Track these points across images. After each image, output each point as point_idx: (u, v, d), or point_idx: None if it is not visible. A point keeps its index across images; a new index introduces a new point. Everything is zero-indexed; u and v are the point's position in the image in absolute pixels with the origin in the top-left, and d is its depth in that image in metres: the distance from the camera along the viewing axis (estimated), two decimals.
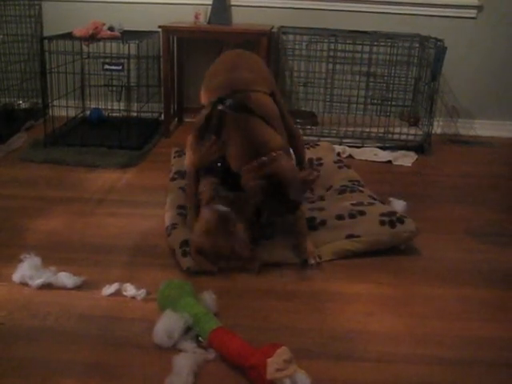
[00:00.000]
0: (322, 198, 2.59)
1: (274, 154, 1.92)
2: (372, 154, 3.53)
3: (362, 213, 2.29)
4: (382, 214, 2.25)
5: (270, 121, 2.04)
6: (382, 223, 2.20)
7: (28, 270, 1.87)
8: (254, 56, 2.46)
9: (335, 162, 3.04)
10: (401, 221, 2.22)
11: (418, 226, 2.23)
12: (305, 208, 2.27)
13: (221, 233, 2.00)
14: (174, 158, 3.12)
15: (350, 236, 2.18)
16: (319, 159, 3.07)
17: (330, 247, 2.16)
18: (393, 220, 2.21)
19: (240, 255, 2.00)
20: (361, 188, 2.67)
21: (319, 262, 2.09)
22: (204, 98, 2.25)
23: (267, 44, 3.61)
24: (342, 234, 2.20)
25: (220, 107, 2.03)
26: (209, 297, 1.75)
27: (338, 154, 3.38)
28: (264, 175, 1.89)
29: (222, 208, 2.05)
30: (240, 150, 1.97)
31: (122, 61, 3.71)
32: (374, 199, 2.50)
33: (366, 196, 2.53)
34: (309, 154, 3.01)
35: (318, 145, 3.33)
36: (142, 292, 1.82)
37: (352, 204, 2.40)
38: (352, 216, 2.28)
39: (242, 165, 1.95)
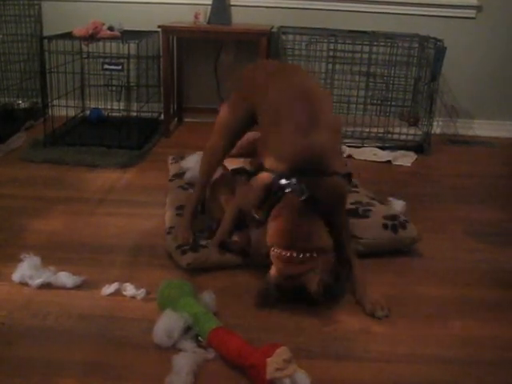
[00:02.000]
0: None
1: (310, 255, 1.72)
2: (372, 153, 3.53)
3: (365, 216, 2.28)
4: (385, 217, 2.24)
5: (330, 216, 1.82)
6: (385, 227, 2.20)
7: (28, 270, 1.87)
8: (322, 91, 2.15)
9: None
10: (403, 226, 2.21)
11: (417, 226, 2.24)
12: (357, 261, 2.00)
13: None
14: (171, 164, 3.08)
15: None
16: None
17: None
18: (395, 224, 2.20)
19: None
20: (355, 189, 2.63)
21: (387, 314, 1.80)
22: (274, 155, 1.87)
23: (267, 44, 3.61)
24: None
25: (283, 184, 1.78)
26: (208, 296, 1.74)
27: None
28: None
29: None
30: (278, 237, 1.77)
31: (121, 61, 3.72)
32: (372, 198, 2.50)
33: (363, 196, 2.53)
34: None
35: None
36: (142, 292, 1.82)
37: (351, 204, 2.39)
38: (355, 215, 2.27)
39: (272, 251, 1.78)
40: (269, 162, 1.88)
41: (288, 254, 1.73)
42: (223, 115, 2.19)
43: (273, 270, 1.79)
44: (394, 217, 2.26)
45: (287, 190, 1.78)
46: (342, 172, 1.86)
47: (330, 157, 1.82)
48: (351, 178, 1.94)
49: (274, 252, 1.77)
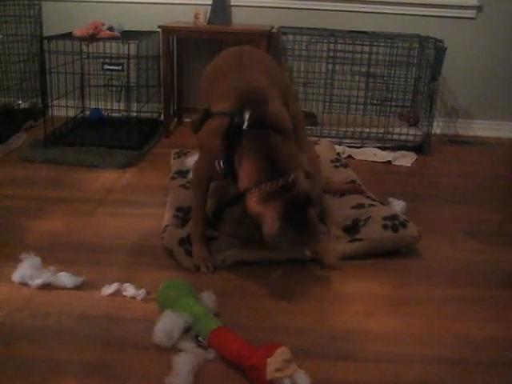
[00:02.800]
0: None
1: (293, 176, 1.75)
2: (371, 154, 3.53)
3: (365, 220, 2.28)
4: (385, 218, 2.24)
5: (287, 136, 1.87)
6: (385, 227, 2.20)
7: (28, 270, 1.87)
8: (263, 53, 2.32)
9: (332, 161, 3.04)
10: (403, 225, 2.21)
11: (418, 228, 2.24)
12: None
13: None
14: (174, 159, 3.11)
15: (352, 240, 2.19)
16: (317, 157, 3.03)
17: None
18: (395, 224, 2.20)
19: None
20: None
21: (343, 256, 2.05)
22: (210, 101, 1.99)
23: (267, 44, 3.61)
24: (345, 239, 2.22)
25: (236, 120, 1.82)
26: (208, 297, 1.75)
27: (338, 154, 3.38)
28: (281, 199, 1.72)
29: None
30: (253, 169, 1.78)
31: (121, 61, 3.72)
32: (374, 200, 2.51)
33: (364, 197, 2.54)
34: None
35: (317, 143, 3.32)
36: (142, 292, 1.82)
37: (352, 207, 2.40)
38: (356, 223, 2.29)
39: (253, 186, 1.77)
40: (215, 108, 1.91)
41: (274, 183, 1.73)
42: (195, 174, 2.14)
43: (269, 221, 1.72)
44: (393, 216, 2.25)
45: (245, 126, 1.80)
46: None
47: (269, 91, 1.94)
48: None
49: (258, 189, 1.74)
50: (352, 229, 2.28)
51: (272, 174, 1.75)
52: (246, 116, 1.82)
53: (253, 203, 1.78)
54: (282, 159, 1.79)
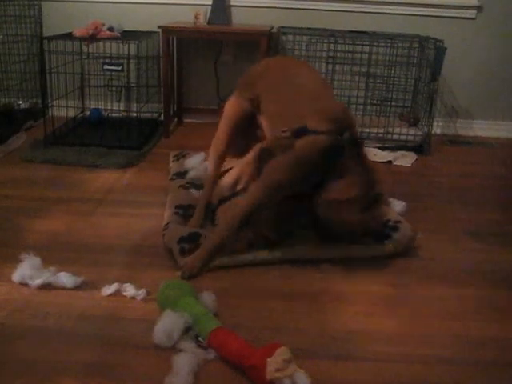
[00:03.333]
0: None
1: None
2: (372, 154, 3.53)
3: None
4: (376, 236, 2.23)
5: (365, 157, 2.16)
6: (378, 239, 2.21)
7: (28, 270, 1.87)
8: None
9: None
10: (395, 228, 2.22)
11: (417, 227, 2.24)
12: None
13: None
14: (173, 161, 3.10)
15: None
16: None
17: (332, 247, 2.17)
18: (386, 233, 2.21)
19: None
20: None
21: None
22: (299, 115, 2.12)
23: (267, 44, 3.61)
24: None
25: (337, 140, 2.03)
26: (208, 297, 1.75)
27: None
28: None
29: None
30: (355, 180, 2.03)
31: (121, 61, 3.71)
32: None
33: None
34: None
35: None
36: (142, 292, 1.82)
37: None
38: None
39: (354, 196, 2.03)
40: (313, 126, 2.06)
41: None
42: (226, 107, 2.43)
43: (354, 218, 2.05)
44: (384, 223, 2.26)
45: (345, 146, 2.03)
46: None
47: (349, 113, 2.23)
48: None
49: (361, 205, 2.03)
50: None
51: (368, 186, 2.05)
52: (346, 136, 2.04)
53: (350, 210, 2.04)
54: (371, 173, 2.08)
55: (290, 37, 3.74)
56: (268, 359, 1.40)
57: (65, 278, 1.86)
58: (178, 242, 2.07)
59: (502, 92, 4.11)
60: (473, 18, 3.97)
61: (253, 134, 2.41)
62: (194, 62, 4.10)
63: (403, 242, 2.20)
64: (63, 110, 3.48)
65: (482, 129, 4.19)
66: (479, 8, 3.94)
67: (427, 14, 3.95)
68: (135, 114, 3.56)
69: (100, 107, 3.94)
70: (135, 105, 3.70)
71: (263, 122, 2.31)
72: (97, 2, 3.97)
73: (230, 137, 2.38)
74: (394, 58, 3.81)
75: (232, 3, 3.98)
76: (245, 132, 2.40)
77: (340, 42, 3.70)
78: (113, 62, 3.75)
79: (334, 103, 2.23)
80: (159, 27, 3.62)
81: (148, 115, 3.82)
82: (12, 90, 3.96)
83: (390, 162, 3.44)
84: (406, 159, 3.48)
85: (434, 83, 3.60)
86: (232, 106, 2.40)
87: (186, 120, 4.18)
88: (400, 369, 1.55)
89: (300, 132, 2.04)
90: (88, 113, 3.98)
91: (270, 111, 2.25)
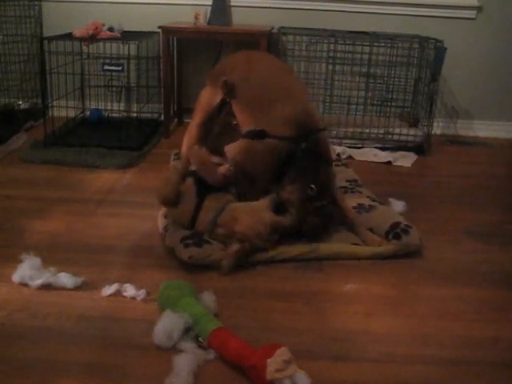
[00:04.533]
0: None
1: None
2: (372, 154, 3.53)
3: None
4: (387, 232, 2.22)
5: (328, 163, 2.23)
6: (387, 235, 2.20)
7: (28, 271, 1.87)
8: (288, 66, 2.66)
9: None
10: (406, 231, 2.20)
11: (417, 227, 2.24)
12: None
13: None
14: (174, 160, 3.11)
15: (356, 244, 2.20)
16: None
17: (336, 247, 2.16)
18: (398, 232, 2.19)
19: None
20: (359, 189, 2.68)
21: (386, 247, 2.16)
22: (255, 122, 2.26)
23: (267, 45, 3.61)
24: (348, 241, 2.21)
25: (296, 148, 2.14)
26: (209, 297, 1.75)
27: (338, 155, 3.38)
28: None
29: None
30: (297, 188, 2.13)
31: (121, 61, 3.72)
32: (374, 200, 2.51)
33: (365, 197, 2.54)
34: None
35: None
36: (142, 292, 1.82)
37: (353, 207, 2.39)
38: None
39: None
40: (273, 130, 2.18)
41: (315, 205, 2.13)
42: (202, 95, 2.66)
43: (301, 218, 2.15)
44: (394, 225, 2.23)
45: (299, 154, 2.13)
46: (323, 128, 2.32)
47: (317, 120, 2.31)
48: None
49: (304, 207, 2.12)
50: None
51: (311, 197, 2.12)
52: (303, 145, 2.13)
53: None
54: (321, 184, 2.13)
55: (290, 37, 3.74)
56: (268, 359, 1.40)
57: (65, 279, 1.86)
58: (180, 240, 2.07)
59: (502, 92, 4.11)
60: (473, 19, 3.97)
61: (226, 120, 2.51)
62: (194, 63, 4.10)
63: (409, 247, 2.19)
64: (63, 110, 3.48)
65: (481, 129, 4.19)
66: (479, 8, 3.95)
67: (427, 14, 3.95)
68: (135, 115, 3.56)
69: (100, 107, 3.94)
70: (135, 105, 3.71)
71: (235, 109, 2.44)
72: (97, 2, 3.97)
73: (206, 123, 2.54)
74: (394, 59, 3.81)
75: (232, 3, 3.98)
76: (217, 118, 2.53)
77: (340, 42, 3.70)
78: (113, 62, 3.75)
79: (299, 105, 2.26)
80: (159, 27, 3.62)
81: (148, 115, 3.82)
82: (12, 90, 3.96)
83: (390, 162, 3.44)
84: (406, 159, 3.48)
85: (434, 83, 3.60)
86: (207, 94, 2.60)
87: (186, 120, 4.17)
88: (400, 369, 1.55)
89: (260, 135, 2.18)
90: (88, 113, 3.99)
91: (242, 102, 2.40)
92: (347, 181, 2.77)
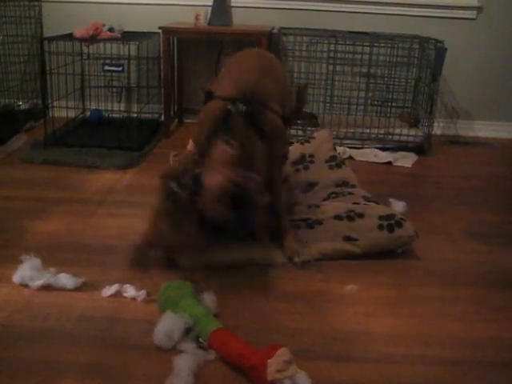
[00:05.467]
0: (316, 205, 2.49)
1: (252, 177, 1.89)
2: (372, 154, 3.53)
3: (360, 215, 2.26)
4: (381, 218, 2.22)
5: (272, 148, 2.06)
6: (381, 227, 2.18)
7: (28, 271, 1.87)
8: (278, 63, 2.44)
9: (326, 162, 2.89)
10: (399, 224, 2.19)
11: (418, 227, 2.23)
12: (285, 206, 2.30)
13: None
14: (173, 160, 3.10)
15: (347, 238, 2.17)
16: (311, 156, 2.93)
17: (327, 246, 2.15)
18: (391, 224, 2.19)
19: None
20: (350, 190, 2.61)
21: (305, 260, 2.10)
22: (219, 88, 2.16)
23: (267, 45, 3.61)
24: (339, 235, 2.19)
25: (231, 108, 2.00)
26: (209, 298, 1.75)
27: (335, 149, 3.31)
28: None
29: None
30: (218, 153, 1.92)
31: (122, 62, 3.72)
32: (369, 200, 2.46)
33: (359, 197, 2.50)
34: (302, 149, 2.97)
35: (313, 137, 3.12)
36: (142, 293, 1.82)
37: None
38: (350, 218, 2.26)
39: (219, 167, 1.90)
40: (218, 92, 2.11)
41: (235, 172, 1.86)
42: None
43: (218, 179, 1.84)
44: (389, 216, 2.23)
45: (233, 113, 1.98)
46: (280, 112, 2.13)
47: (272, 98, 2.12)
48: (290, 123, 2.22)
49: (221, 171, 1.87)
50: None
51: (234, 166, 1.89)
52: (240, 107, 1.99)
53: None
54: (244, 157, 1.91)
55: (291, 37, 3.75)
56: (269, 360, 1.40)
57: (65, 279, 1.86)
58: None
59: (503, 92, 4.11)
60: (473, 19, 3.98)
61: None
62: (194, 63, 4.10)
63: (402, 239, 2.18)
64: (63, 110, 3.48)
65: (482, 129, 4.19)
66: (479, 8, 3.95)
67: (427, 14, 3.95)
68: (136, 115, 3.56)
69: (100, 108, 3.94)
70: (136, 105, 3.71)
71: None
72: (97, 2, 3.97)
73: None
74: (395, 59, 3.81)
75: (232, 4, 3.98)
76: None
77: (340, 42, 3.71)
78: (113, 62, 3.76)
79: (254, 78, 2.12)
80: (160, 28, 3.63)
81: (148, 116, 3.82)
82: (12, 90, 3.96)
83: (390, 162, 3.44)
84: (406, 160, 3.48)
85: (434, 84, 3.60)
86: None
87: (186, 120, 4.18)
88: (400, 369, 1.54)
89: (208, 96, 2.15)
90: (88, 113, 3.99)
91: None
92: (337, 185, 2.68)
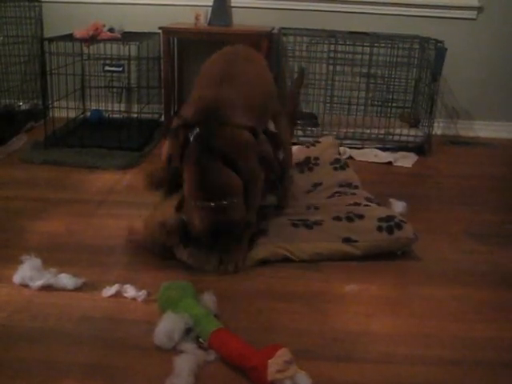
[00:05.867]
0: (316, 205, 2.50)
1: (225, 203, 1.87)
2: (372, 155, 3.53)
3: (360, 216, 2.26)
4: (380, 219, 2.21)
5: (236, 162, 1.93)
6: (380, 229, 2.18)
7: (28, 272, 1.87)
8: (255, 58, 2.31)
9: (331, 164, 2.93)
10: (399, 226, 2.18)
11: (418, 228, 2.24)
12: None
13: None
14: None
15: (347, 240, 2.16)
16: (316, 159, 2.97)
17: (326, 247, 2.15)
18: (391, 225, 2.18)
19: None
20: (353, 191, 2.62)
21: (236, 270, 2.02)
22: (185, 107, 2.11)
23: (267, 45, 3.61)
24: (338, 237, 2.18)
25: (188, 134, 1.93)
26: (209, 298, 1.74)
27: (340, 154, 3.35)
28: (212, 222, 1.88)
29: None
30: (192, 188, 1.91)
31: (122, 62, 3.72)
32: (370, 201, 2.47)
33: (361, 198, 2.50)
34: (307, 152, 2.99)
35: (318, 142, 3.17)
36: (143, 293, 1.82)
37: (348, 205, 2.39)
38: (350, 219, 2.25)
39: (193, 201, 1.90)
40: (183, 110, 2.06)
41: (205, 204, 1.86)
42: None
43: (197, 222, 1.89)
44: (389, 218, 2.23)
45: (191, 137, 1.92)
46: (245, 124, 1.97)
47: (232, 110, 1.97)
48: (256, 132, 2.02)
49: (194, 205, 1.89)
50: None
51: (204, 197, 1.88)
52: (194, 132, 1.91)
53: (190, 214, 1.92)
54: (210, 183, 1.89)
55: (291, 38, 3.75)
56: (269, 360, 1.40)
57: (65, 280, 1.86)
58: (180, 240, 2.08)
59: (503, 93, 4.11)
60: (473, 19, 3.98)
61: None
62: (194, 63, 4.10)
63: (400, 240, 2.18)
64: (64, 111, 3.48)
65: (482, 129, 4.19)
66: (479, 9, 3.95)
67: (427, 14, 3.95)
68: (136, 115, 3.57)
69: (101, 108, 3.94)
70: (136, 106, 3.71)
71: None
72: (97, 3, 3.98)
73: None
74: (395, 59, 3.81)
75: (232, 4, 3.99)
76: None
77: (340, 42, 3.71)
78: (113, 63, 3.76)
79: (215, 92, 2.01)
80: (160, 28, 3.63)
81: (149, 116, 3.82)
82: (13, 91, 3.96)
83: (390, 162, 3.44)
84: (406, 160, 3.48)
85: (434, 84, 3.60)
86: None
87: None
88: (400, 369, 1.54)
89: (176, 114, 2.12)
90: (88, 114, 3.99)
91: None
92: (340, 186, 2.70)
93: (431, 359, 1.60)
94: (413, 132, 3.71)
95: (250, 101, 2.06)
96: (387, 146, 3.65)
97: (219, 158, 1.90)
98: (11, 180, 2.87)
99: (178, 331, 1.57)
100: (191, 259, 2.03)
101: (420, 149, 3.64)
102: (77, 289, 1.86)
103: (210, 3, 3.81)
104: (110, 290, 1.83)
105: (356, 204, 2.40)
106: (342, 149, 3.51)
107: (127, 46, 3.35)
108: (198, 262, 2.03)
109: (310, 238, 2.18)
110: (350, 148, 3.59)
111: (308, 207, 2.43)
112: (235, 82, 2.07)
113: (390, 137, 3.68)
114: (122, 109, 3.98)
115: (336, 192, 2.62)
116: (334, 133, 3.65)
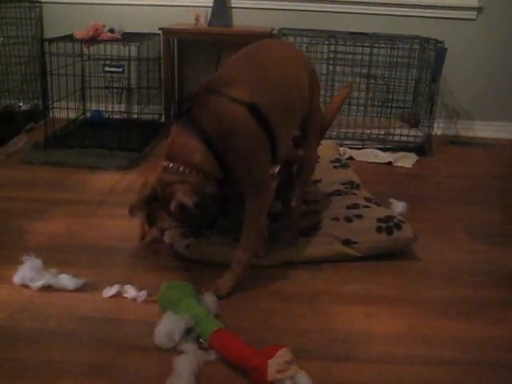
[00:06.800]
0: (316, 201, 2.52)
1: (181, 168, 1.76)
2: (372, 155, 3.54)
3: (359, 216, 2.26)
4: (379, 220, 2.22)
5: (213, 137, 1.76)
6: (379, 230, 2.17)
7: (28, 272, 1.87)
8: (289, 56, 2.08)
9: (331, 162, 2.98)
10: (398, 226, 2.18)
11: (418, 227, 2.24)
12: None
13: None
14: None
15: (346, 241, 2.15)
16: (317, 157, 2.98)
17: (326, 251, 2.14)
18: (390, 226, 2.18)
19: None
20: (354, 191, 2.62)
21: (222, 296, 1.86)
22: None
23: None
24: (338, 238, 2.16)
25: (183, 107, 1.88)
26: (210, 298, 1.75)
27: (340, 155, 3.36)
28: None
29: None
30: (163, 150, 1.85)
31: (122, 63, 3.72)
32: (370, 201, 2.46)
33: (361, 198, 2.50)
34: None
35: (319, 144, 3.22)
36: (143, 294, 1.82)
37: (347, 207, 2.39)
38: (348, 220, 2.25)
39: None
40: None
41: (164, 164, 1.79)
42: None
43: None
44: (388, 218, 2.23)
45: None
46: (239, 98, 1.77)
47: (227, 84, 1.81)
48: (256, 108, 1.79)
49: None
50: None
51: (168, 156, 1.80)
52: (185, 106, 1.86)
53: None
54: (176, 153, 1.78)
55: (291, 38, 3.74)
56: (269, 360, 1.40)
57: (66, 280, 1.86)
58: (180, 234, 2.11)
59: (503, 93, 4.11)
60: (473, 19, 3.98)
61: None
62: (194, 64, 4.10)
63: (400, 241, 2.18)
64: (64, 111, 3.48)
65: (482, 129, 4.19)
66: (479, 9, 3.95)
67: (427, 15, 3.96)
68: (136, 116, 3.57)
69: (101, 109, 3.94)
70: (136, 106, 3.71)
71: None
72: (97, 4, 3.98)
73: None
74: (395, 59, 3.81)
75: (232, 5, 3.99)
76: None
77: (340, 43, 3.71)
78: (113, 63, 3.76)
79: (229, 69, 1.93)
80: (160, 29, 3.63)
81: (149, 117, 3.82)
82: (13, 91, 3.96)
83: (390, 162, 3.44)
84: (406, 160, 3.48)
85: (434, 84, 3.60)
86: None
87: None
88: (401, 369, 1.55)
89: None
90: (89, 114, 3.99)
91: None
92: (342, 184, 2.70)
93: (431, 359, 1.60)
94: (413, 132, 3.71)
95: (249, 83, 1.85)
96: (387, 147, 3.65)
97: (196, 127, 1.76)
98: (11, 180, 2.87)
99: (178, 331, 1.57)
100: (187, 251, 2.05)
101: (420, 149, 3.64)
102: (77, 289, 1.86)
103: (210, 4, 3.81)
104: (110, 291, 1.84)
105: (355, 206, 2.40)
106: (342, 149, 3.52)
107: (127, 47, 3.35)
108: (196, 254, 2.05)
109: (308, 244, 2.16)
110: (350, 148, 3.59)
111: (307, 208, 2.42)
112: (257, 64, 1.92)
113: (390, 137, 3.68)
114: (122, 109, 3.98)
115: (336, 190, 2.62)
116: (334, 133, 3.65)
